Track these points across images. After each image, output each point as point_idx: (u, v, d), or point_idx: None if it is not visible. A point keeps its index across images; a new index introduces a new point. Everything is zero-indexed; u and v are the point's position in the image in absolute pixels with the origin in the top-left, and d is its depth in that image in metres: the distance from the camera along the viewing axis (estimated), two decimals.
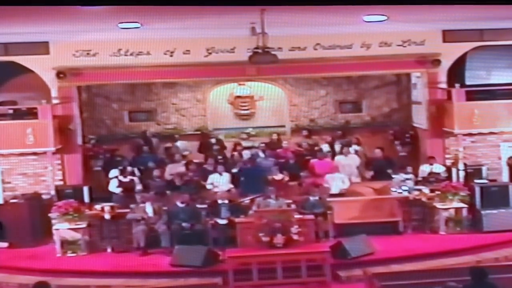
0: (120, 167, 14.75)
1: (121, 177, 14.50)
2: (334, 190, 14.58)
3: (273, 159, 15.65)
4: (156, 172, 14.83)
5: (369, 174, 15.70)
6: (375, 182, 15.26)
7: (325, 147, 16.58)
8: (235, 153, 16.13)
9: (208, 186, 14.56)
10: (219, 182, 14.54)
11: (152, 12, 11.34)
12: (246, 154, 16.14)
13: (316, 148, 16.50)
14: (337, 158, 15.73)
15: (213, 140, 16.90)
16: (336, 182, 14.70)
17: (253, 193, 13.97)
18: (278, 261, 11.48)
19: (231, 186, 14.50)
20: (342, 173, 14.96)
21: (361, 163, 15.89)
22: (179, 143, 16.87)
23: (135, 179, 14.59)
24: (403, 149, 16.83)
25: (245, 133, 17.32)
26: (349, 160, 15.65)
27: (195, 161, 15.64)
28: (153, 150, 16.58)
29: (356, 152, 16.16)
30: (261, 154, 15.86)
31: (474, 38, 15.44)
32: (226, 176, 14.69)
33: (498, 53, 15.58)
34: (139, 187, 14.41)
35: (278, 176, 14.59)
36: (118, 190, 14.35)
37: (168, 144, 16.87)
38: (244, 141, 17.02)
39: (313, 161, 15.46)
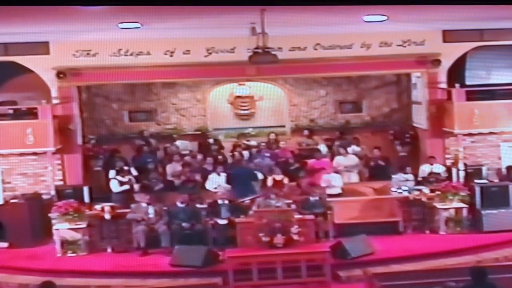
0: (117, 168, 14.76)
1: (119, 177, 14.51)
2: (331, 191, 14.55)
3: (272, 159, 15.63)
4: (153, 173, 14.81)
5: (366, 173, 15.70)
6: (375, 182, 15.27)
7: (323, 148, 16.57)
8: (236, 153, 16.11)
9: (208, 186, 14.55)
10: (218, 182, 14.53)
11: (152, 12, 11.34)
12: (246, 154, 16.14)
13: (314, 148, 16.49)
14: (337, 158, 15.74)
15: (211, 140, 16.90)
16: (333, 183, 14.70)
17: (243, 195, 13.97)
18: (278, 261, 11.48)
19: (228, 187, 14.48)
20: (338, 174, 14.96)
21: (360, 164, 15.88)
22: (179, 143, 16.87)
23: (133, 179, 14.58)
24: (403, 149, 16.84)
25: (245, 134, 17.30)
26: (348, 161, 15.65)
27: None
28: (153, 150, 16.58)
29: (356, 152, 16.16)
30: (260, 155, 15.84)
31: (474, 38, 15.44)
32: (224, 177, 14.68)
33: (498, 53, 15.58)
34: (136, 187, 14.40)
35: (278, 177, 14.60)
36: (120, 190, 14.37)
37: (167, 144, 16.86)
38: (244, 142, 17.01)
39: (311, 161, 15.46)
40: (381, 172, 15.42)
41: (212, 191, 14.21)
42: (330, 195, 14.31)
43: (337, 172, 15.05)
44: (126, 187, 14.37)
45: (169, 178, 15.14)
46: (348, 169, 15.50)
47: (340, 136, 17.13)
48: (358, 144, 16.59)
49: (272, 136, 17.03)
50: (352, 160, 15.74)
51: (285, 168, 15.18)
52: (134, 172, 14.96)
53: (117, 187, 14.43)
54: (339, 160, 15.59)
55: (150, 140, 16.96)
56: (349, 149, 16.09)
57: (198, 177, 14.87)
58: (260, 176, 14.90)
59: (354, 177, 15.71)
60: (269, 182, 14.51)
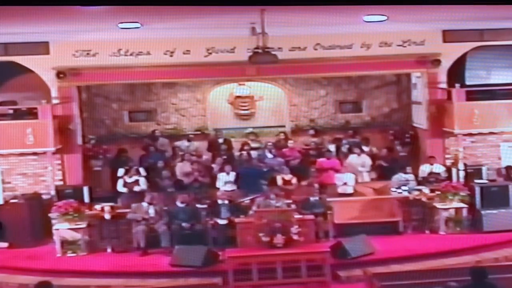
0: (126, 167, 14.76)
1: (126, 177, 14.50)
2: (344, 190, 14.56)
3: (281, 159, 15.63)
4: (164, 172, 14.82)
5: (374, 173, 15.70)
6: (375, 182, 15.27)
7: (332, 147, 16.55)
8: (244, 153, 16.10)
9: (218, 185, 14.52)
10: (227, 181, 14.54)
11: (152, 12, 11.34)
12: (254, 154, 16.13)
13: (322, 147, 16.48)
14: (350, 157, 15.66)
15: (220, 140, 16.90)
16: (347, 182, 14.67)
17: (251, 194, 13.97)
18: (278, 261, 11.48)
19: (234, 187, 14.50)
20: (352, 173, 14.92)
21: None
22: (193, 143, 16.83)
23: (141, 179, 14.56)
24: (403, 149, 16.81)
25: (252, 133, 17.29)
26: (361, 160, 15.60)
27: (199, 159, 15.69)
28: (160, 150, 16.55)
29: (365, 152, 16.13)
30: (269, 155, 15.82)
31: (474, 38, 15.44)
32: (233, 176, 14.69)
33: (498, 53, 15.58)
34: (144, 186, 14.39)
35: (287, 176, 14.60)
36: (124, 190, 14.37)
37: (178, 143, 16.80)
38: (252, 142, 16.99)
39: (321, 160, 15.45)
40: (389, 173, 15.33)
41: (221, 190, 14.20)
42: (343, 194, 14.34)
43: (351, 171, 15.02)
44: (125, 189, 14.36)
45: (179, 177, 15.13)
46: (360, 169, 15.46)
47: (353, 135, 17.09)
48: (367, 144, 16.55)
49: (282, 136, 17.05)
50: (365, 159, 15.66)
51: (293, 168, 15.17)
52: (143, 172, 14.93)
53: (121, 187, 14.45)
54: (352, 159, 15.53)
55: (162, 140, 16.91)
56: (358, 149, 16.05)
57: (206, 176, 14.87)
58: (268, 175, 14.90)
59: (366, 177, 15.66)
60: (278, 181, 14.53)
